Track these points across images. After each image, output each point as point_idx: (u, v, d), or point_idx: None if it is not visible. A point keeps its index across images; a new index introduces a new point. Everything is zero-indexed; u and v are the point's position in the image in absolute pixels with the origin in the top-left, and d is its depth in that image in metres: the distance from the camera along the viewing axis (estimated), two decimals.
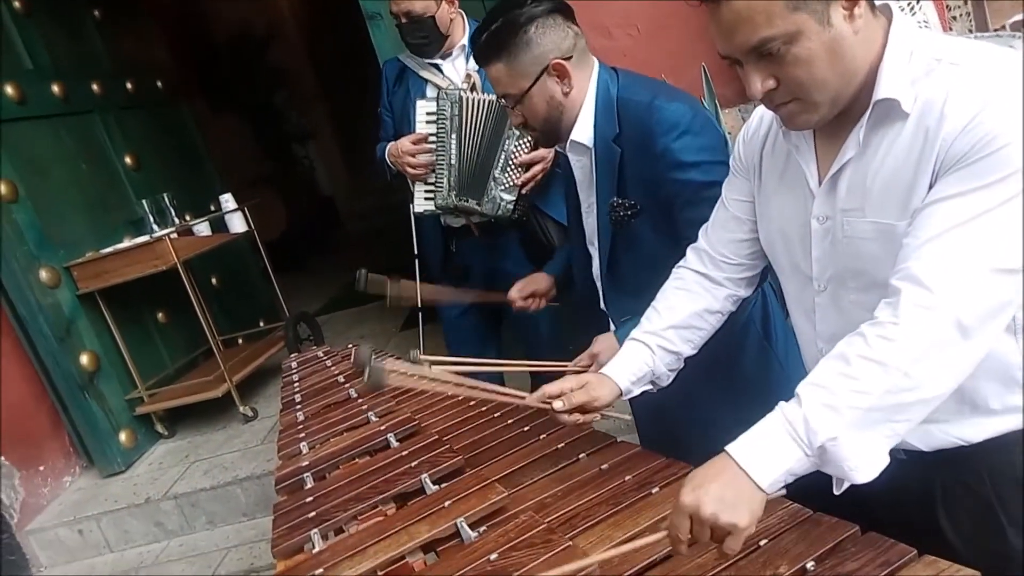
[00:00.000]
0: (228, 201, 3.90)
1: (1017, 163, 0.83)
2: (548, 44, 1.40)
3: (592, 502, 1.18)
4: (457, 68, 2.31)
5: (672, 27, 2.41)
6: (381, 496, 1.34)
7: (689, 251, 1.34)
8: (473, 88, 2.22)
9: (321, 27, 8.32)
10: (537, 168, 2.15)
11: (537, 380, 2.55)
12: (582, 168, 1.56)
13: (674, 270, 1.35)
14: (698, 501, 0.87)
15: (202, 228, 3.79)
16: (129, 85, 4.20)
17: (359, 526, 1.28)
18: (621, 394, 1.28)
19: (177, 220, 3.69)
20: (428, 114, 2.23)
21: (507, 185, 2.17)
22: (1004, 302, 0.86)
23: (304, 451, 1.64)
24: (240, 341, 4.43)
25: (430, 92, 2.29)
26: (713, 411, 1.56)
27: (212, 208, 4.21)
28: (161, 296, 3.84)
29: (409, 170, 2.27)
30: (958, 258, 0.85)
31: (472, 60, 2.25)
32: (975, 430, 0.99)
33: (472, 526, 1.16)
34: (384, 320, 4.95)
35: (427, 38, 2.24)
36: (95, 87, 3.91)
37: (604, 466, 1.28)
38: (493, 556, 1.05)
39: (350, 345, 2.43)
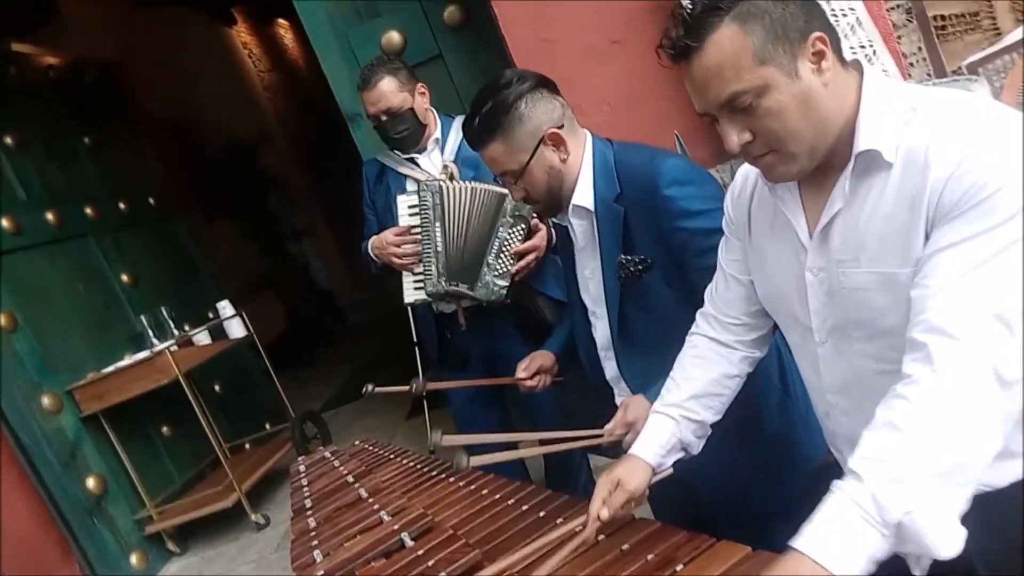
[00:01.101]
0: (225, 308, 3.94)
1: (1013, 207, 0.83)
2: (540, 116, 1.46)
3: None
4: (434, 161, 2.37)
5: (643, 100, 2.48)
6: None
7: (698, 317, 1.35)
8: (452, 177, 2.28)
9: (307, 129, 8.59)
10: (531, 257, 2.19)
11: (550, 459, 2.51)
12: (584, 233, 1.58)
13: (688, 337, 1.36)
14: None
15: (201, 337, 3.82)
16: (122, 205, 4.31)
17: None
18: (654, 471, 1.27)
19: (176, 332, 3.71)
20: (410, 207, 2.28)
21: (500, 271, 2.20)
22: None
23: (318, 560, 1.59)
24: (247, 446, 4.39)
25: (410, 186, 2.34)
26: (742, 473, 1.54)
27: (211, 316, 4.24)
28: (164, 409, 3.82)
29: (395, 260, 2.30)
30: (978, 305, 0.84)
31: (446, 152, 2.31)
32: (1000, 474, 0.96)
33: None
34: (390, 411, 4.91)
35: (408, 129, 2.30)
36: (89, 211, 4.00)
37: (625, 547, 1.25)
38: None
39: (356, 442, 2.40)
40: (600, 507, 1.21)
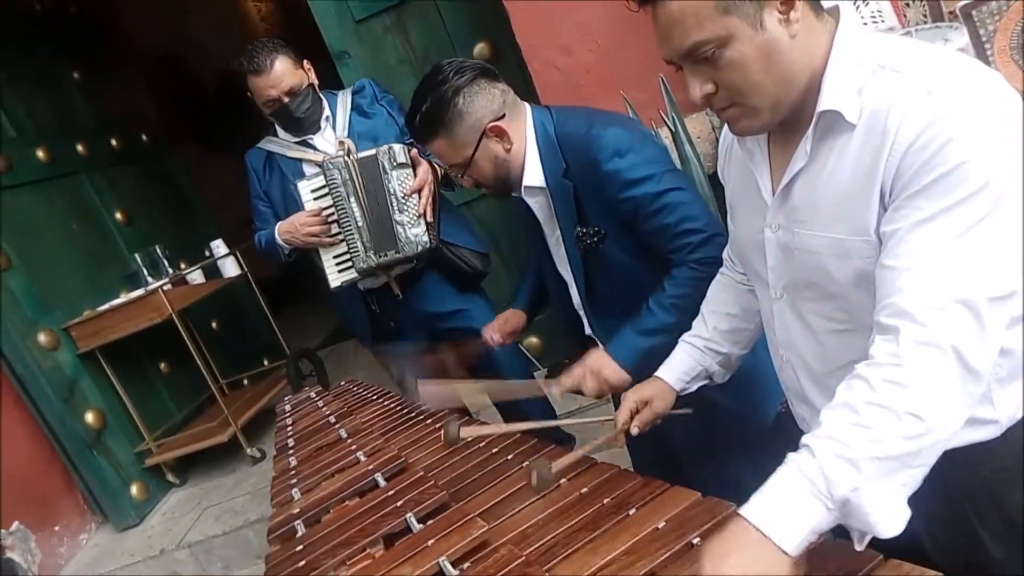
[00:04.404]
0: (219, 247, 3.95)
1: (980, 179, 0.80)
2: (480, 110, 1.47)
3: (571, 529, 1.18)
4: (328, 139, 2.32)
5: (631, 41, 2.42)
6: (369, 538, 1.35)
7: (724, 256, 1.38)
8: (349, 152, 2.24)
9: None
10: (426, 191, 2.18)
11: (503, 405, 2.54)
12: (540, 207, 1.60)
13: (717, 275, 1.39)
14: None
15: (195, 276, 3.84)
16: (114, 142, 4.27)
17: (348, 572, 1.29)
18: (677, 394, 1.36)
19: (171, 270, 3.74)
20: (314, 191, 2.24)
21: (412, 221, 2.18)
22: (999, 329, 0.82)
23: (296, 498, 1.65)
24: (245, 382, 4.47)
25: (308, 170, 2.30)
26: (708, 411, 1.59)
27: (207, 254, 4.26)
28: (162, 347, 3.88)
29: (312, 239, 2.25)
30: (945, 290, 0.81)
31: (338, 129, 2.29)
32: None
33: (455, 563, 1.17)
34: None
35: (312, 107, 2.26)
36: (80, 148, 3.97)
37: (584, 490, 1.29)
38: None
39: (342, 382, 2.45)
40: (627, 420, 1.34)
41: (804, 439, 0.84)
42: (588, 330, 1.72)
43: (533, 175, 1.53)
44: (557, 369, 2.82)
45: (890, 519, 0.82)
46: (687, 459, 1.70)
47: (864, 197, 0.90)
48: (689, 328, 1.38)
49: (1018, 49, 1.86)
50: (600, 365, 1.50)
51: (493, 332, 1.93)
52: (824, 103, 0.92)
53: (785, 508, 0.81)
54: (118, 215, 4.10)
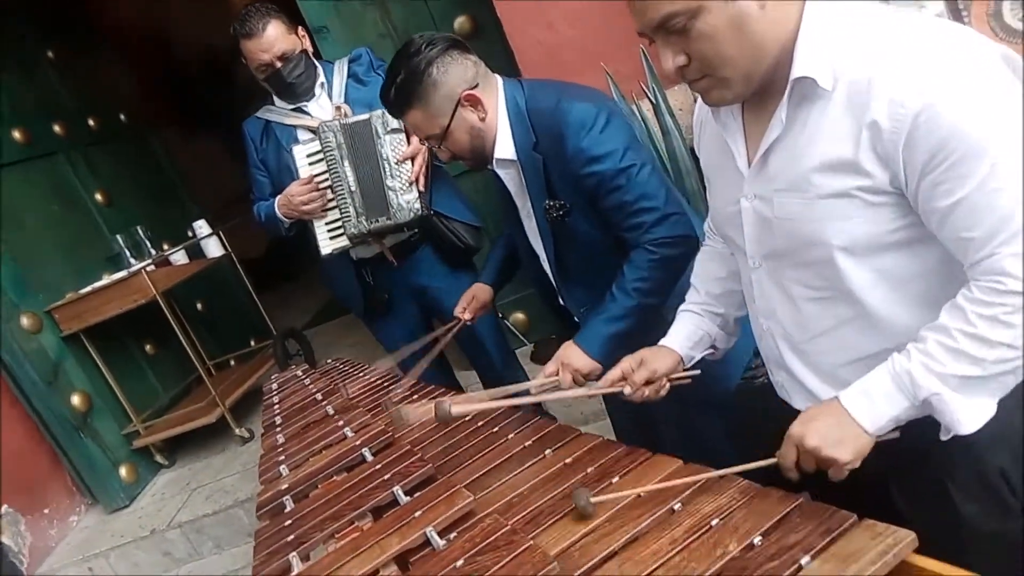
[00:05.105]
0: (202, 227, 3.92)
1: (1010, 130, 0.83)
2: (453, 79, 1.48)
3: (555, 498, 1.21)
4: (323, 106, 2.30)
5: (612, 13, 2.41)
6: (357, 512, 1.36)
7: (706, 227, 1.39)
8: (346, 116, 2.23)
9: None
10: (419, 159, 2.17)
11: (484, 377, 2.54)
12: (511, 179, 1.63)
13: (703, 245, 1.41)
14: (803, 433, 0.96)
15: (178, 257, 3.81)
16: (92, 122, 4.21)
17: (336, 544, 1.30)
18: (682, 361, 1.34)
19: (154, 251, 3.71)
20: (309, 156, 2.21)
21: (404, 187, 2.17)
22: None
23: (284, 474, 1.66)
24: (232, 363, 4.46)
25: (303, 136, 2.28)
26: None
27: (190, 234, 4.22)
28: (146, 328, 3.86)
29: (304, 207, 2.22)
30: None
31: (335, 95, 2.27)
32: None
33: (441, 533, 1.18)
34: None
35: (304, 73, 2.24)
36: (57, 128, 3.91)
37: (568, 460, 1.31)
38: (459, 563, 1.08)
39: (328, 360, 2.46)
40: (617, 378, 1.32)
41: (909, 344, 0.93)
42: (561, 300, 1.74)
43: (504, 147, 1.55)
44: (543, 345, 2.85)
45: (970, 420, 0.91)
46: (662, 422, 1.74)
47: (849, 160, 0.91)
48: (653, 309, 1.42)
49: (995, 16, 1.86)
50: (570, 357, 1.52)
51: (463, 311, 1.95)
52: (797, 70, 0.93)
53: (872, 395, 0.94)
54: (98, 196, 4.05)
